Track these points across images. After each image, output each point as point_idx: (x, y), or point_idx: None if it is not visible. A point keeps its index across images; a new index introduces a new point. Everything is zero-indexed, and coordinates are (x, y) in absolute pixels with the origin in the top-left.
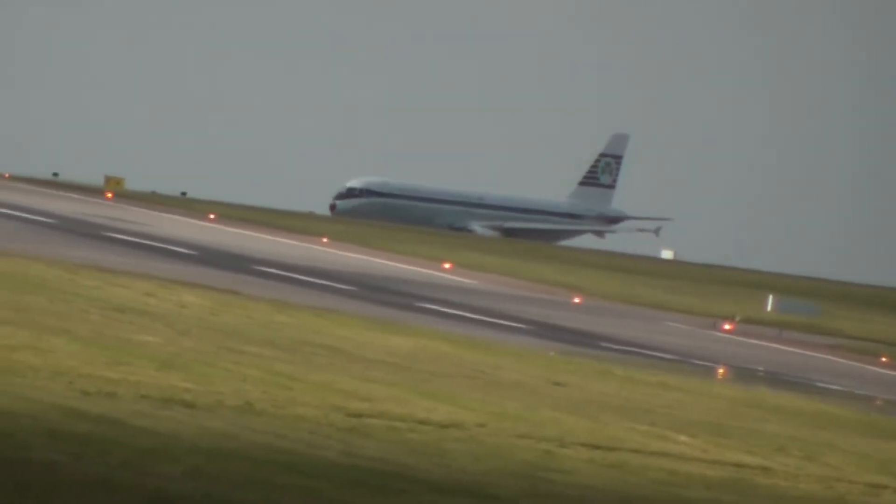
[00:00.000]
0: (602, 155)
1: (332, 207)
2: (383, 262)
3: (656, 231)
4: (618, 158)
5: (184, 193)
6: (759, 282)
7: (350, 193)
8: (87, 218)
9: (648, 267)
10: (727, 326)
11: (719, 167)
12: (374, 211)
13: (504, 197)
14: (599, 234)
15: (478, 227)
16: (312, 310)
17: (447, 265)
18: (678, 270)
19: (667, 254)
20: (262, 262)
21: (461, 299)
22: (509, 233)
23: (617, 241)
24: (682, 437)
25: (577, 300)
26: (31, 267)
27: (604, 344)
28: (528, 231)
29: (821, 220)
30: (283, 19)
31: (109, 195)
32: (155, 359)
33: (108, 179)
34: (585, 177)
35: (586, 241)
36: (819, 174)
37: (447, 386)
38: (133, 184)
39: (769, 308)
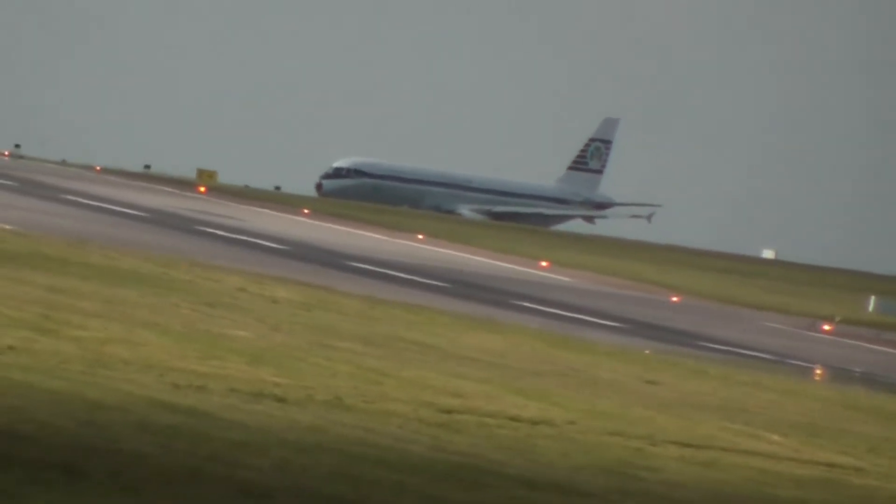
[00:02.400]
0: (592, 140)
1: (319, 187)
2: (480, 259)
3: (649, 217)
4: (607, 143)
5: (277, 188)
6: (860, 284)
7: (337, 173)
8: (179, 211)
9: (748, 267)
10: (826, 327)
11: (712, 154)
12: (361, 192)
13: (492, 180)
14: (589, 219)
15: (466, 211)
16: (405, 306)
17: (544, 263)
18: (779, 270)
19: (768, 253)
20: (355, 257)
21: (557, 297)
22: (497, 217)
23: (609, 226)
24: (775, 437)
25: (674, 299)
26: (122, 260)
27: (700, 343)
28: (515, 215)
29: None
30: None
31: (202, 189)
32: (246, 353)
33: (200, 172)
34: (574, 161)
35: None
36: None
37: (539, 383)
38: (226, 177)
39: (871, 309)
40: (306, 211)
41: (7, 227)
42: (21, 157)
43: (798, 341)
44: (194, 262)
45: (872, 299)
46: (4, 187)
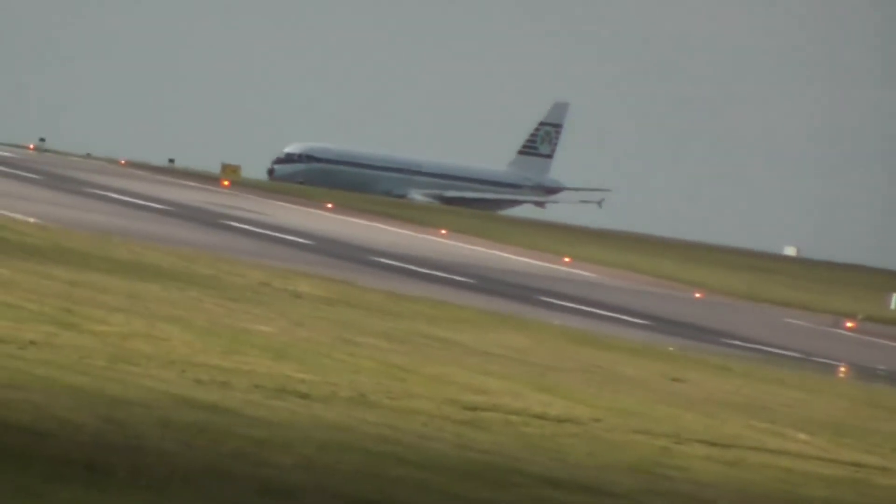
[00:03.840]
0: (542, 124)
1: (271, 172)
2: (503, 254)
3: (599, 203)
4: (557, 127)
5: (301, 182)
6: (882, 282)
7: (289, 158)
8: (202, 205)
9: (770, 263)
10: (849, 324)
11: (662, 138)
12: (312, 177)
13: (442, 165)
14: (539, 204)
15: (417, 195)
16: (429, 301)
17: (567, 259)
18: (801, 267)
19: (789, 250)
20: (378, 252)
21: (580, 293)
22: (448, 201)
23: (559, 211)
24: (801, 436)
25: (698, 295)
26: (145, 254)
27: (724, 340)
28: (466, 200)
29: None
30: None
31: (225, 183)
32: (269, 348)
33: (224, 167)
34: (524, 146)
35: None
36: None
37: (564, 380)
38: (249, 172)
39: (893, 306)
40: (329, 205)
41: (31, 220)
42: (46, 150)
43: (821, 339)
44: (217, 256)
45: (894, 297)
46: (29, 181)
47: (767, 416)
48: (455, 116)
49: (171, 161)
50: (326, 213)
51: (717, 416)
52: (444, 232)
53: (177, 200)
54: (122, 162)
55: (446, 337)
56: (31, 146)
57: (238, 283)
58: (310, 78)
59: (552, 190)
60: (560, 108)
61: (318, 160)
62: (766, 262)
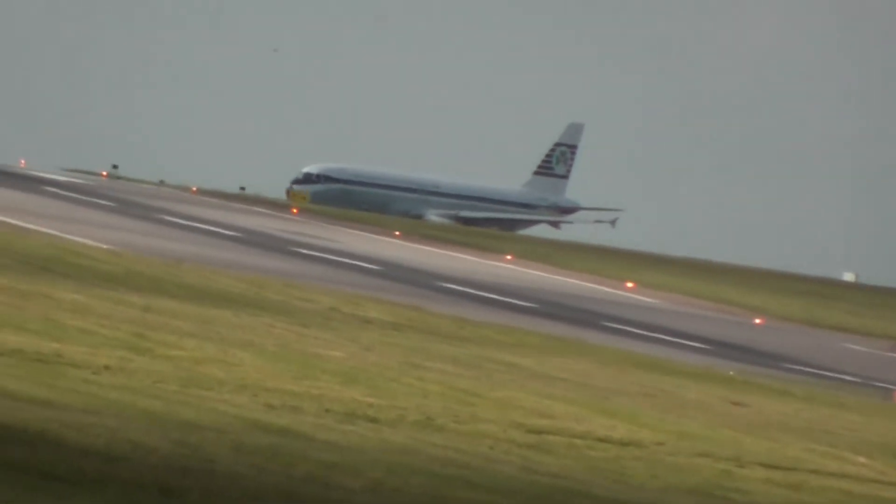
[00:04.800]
0: (557, 144)
1: (289, 192)
2: (568, 280)
3: (612, 222)
4: (573, 148)
5: (368, 210)
6: None
7: (307, 179)
8: (273, 232)
9: (829, 289)
10: None
11: (675, 158)
12: (330, 197)
13: (459, 185)
14: (554, 224)
15: (433, 216)
16: (495, 326)
17: (630, 284)
18: (860, 293)
19: (848, 276)
20: (445, 278)
21: (643, 318)
22: (465, 222)
23: (574, 231)
24: (861, 459)
25: (758, 321)
26: (217, 280)
27: (784, 365)
28: (483, 220)
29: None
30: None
31: (295, 210)
32: (339, 373)
33: (293, 194)
34: (540, 166)
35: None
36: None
37: (627, 404)
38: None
39: None
40: (397, 233)
41: (104, 246)
42: (119, 177)
43: (880, 363)
44: (288, 282)
45: None
46: (102, 208)
47: (827, 439)
48: (471, 137)
49: (243, 189)
50: (394, 240)
51: (777, 439)
52: (509, 258)
53: (247, 227)
54: (194, 189)
55: (512, 361)
56: (105, 174)
57: (308, 309)
58: (327, 98)
59: (567, 210)
60: (575, 129)
61: (336, 180)
62: (825, 288)
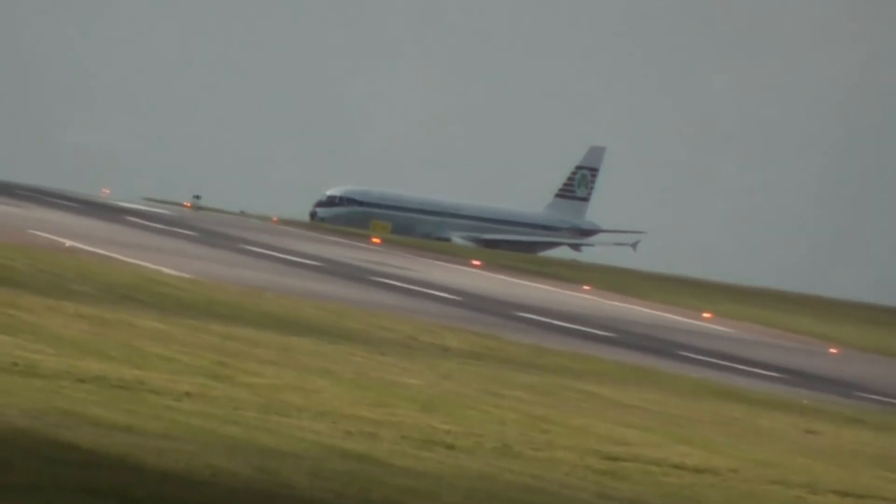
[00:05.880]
0: (578, 167)
1: (313, 215)
2: (645, 310)
3: (634, 245)
4: (594, 171)
5: (446, 239)
6: None
7: (330, 202)
8: (352, 262)
9: None
10: None
11: (696, 181)
12: (353, 220)
13: (481, 207)
14: (575, 247)
15: (457, 238)
16: (572, 355)
17: (707, 314)
18: None
19: None
20: (523, 307)
21: (718, 347)
22: (488, 244)
23: (594, 255)
24: None
25: (833, 350)
26: (297, 309)
27: (857, 393)
28: (506, 242)
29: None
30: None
31: (376, 240)
32: (416, 400)
33: (374, 224)
34: (562, 189)
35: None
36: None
37: (701, 431)
38: (396, 229)
39: None
40: (476, 263)
41: (186, 276)
42: (201, 208)
43: None
44: (367, 311)
45: None
46: (184, 237)
47: None
48: (493, 160)
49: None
50: (473, 270)
51: (850, 467)
52: (587, 288)
53: (327, 256)
54: (275, 219)
55: (588, 389)
56: (187, 204)
57: (387, 338)
58: (350, 121)
59: (588, 232)
60: (596, 151)
61: (360, 203)
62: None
